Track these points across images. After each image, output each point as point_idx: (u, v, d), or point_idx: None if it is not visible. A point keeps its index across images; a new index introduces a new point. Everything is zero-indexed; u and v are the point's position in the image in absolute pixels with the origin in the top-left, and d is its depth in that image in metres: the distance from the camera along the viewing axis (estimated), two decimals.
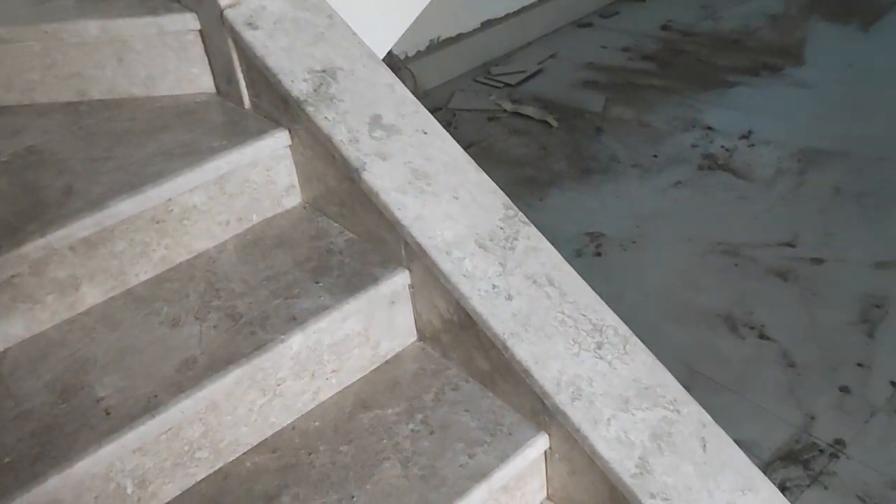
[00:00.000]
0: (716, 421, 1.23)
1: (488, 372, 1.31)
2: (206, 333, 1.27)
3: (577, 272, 1.34)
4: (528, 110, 3.54)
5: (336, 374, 1.36)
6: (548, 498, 1.34)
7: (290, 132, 1.46)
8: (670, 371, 1.26)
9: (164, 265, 1.41)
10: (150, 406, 1.14)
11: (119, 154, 1.43)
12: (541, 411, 1.24)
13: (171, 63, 1.56)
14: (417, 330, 1.44)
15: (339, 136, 1.36)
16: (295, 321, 1.28)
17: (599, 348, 1.26)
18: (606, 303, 1.32)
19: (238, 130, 1.47)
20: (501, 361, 1.26)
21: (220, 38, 1.47)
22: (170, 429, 1.16)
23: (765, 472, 1.23)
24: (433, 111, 1.49)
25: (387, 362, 1.42)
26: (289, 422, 1.32)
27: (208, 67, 1.57)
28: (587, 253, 2.57)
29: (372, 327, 1.37)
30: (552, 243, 1.37)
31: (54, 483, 1.06)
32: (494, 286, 1.28)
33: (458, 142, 1.47)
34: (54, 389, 1.18)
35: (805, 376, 2.04)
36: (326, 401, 1.35)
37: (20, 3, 1.63)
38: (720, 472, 1.18)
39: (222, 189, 1.43)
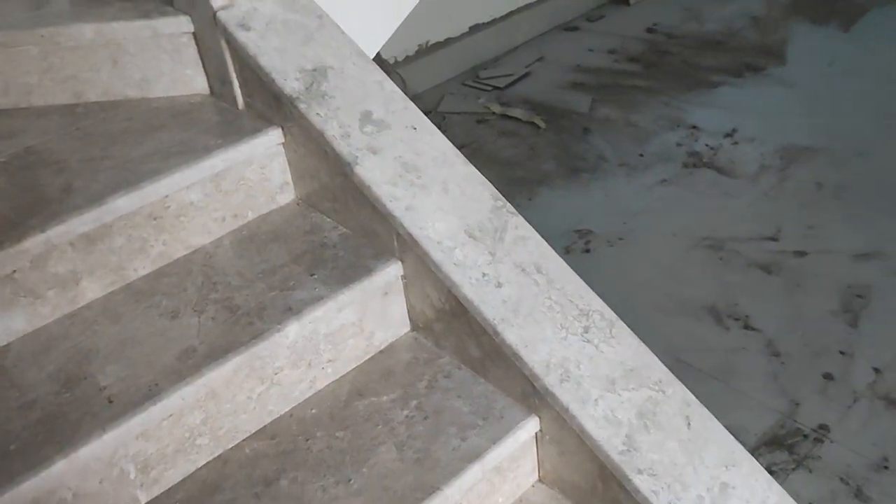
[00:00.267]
0: None
1: (480, 358, 1.35)
2: (204, 324, 1.31)
3: None
4: (517, 112, 3.60)
5: (332, 364, 1.39)
6: (539, 480, 1.38)
7: (283, 130, 1.49)
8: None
9: (161, 260, 1.44)
10: (151, 393, 1.18)
11: (116, 153, 1.47)
12: (531, 394, 1.28)
13: (166, 65, 1.60)
14: (410, 320, 1.48)
15: (332, 131, 1.41)
16: (291, 311, 1.31)
17: (586, 332, 1.30)
18: None
19: (232, 129, 1.51)
20: (492, 347, 1.30)
21: (213, 39, 1.51)
22: (171, 415, 1.19)
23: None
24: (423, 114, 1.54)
25: (381, 352, 1.46)
26: (286, 410, 1.35)
27: (202, 69, 1.61)
28: (576, 249, 2.62)
29: (366, 318, 1.41)
30: None
31: (60, 467, 1.09)
32: (484, 274, 1.32)
33: None
34: (58, 379, 1.21)
35: (789, 364, 2.09)
36: (323, 389, 1.39)
37: (16, 8, 1.66)
38: (704, 448, 1.22)
39: (218, 186, 1.47)
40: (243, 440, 1.31)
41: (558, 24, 4.42)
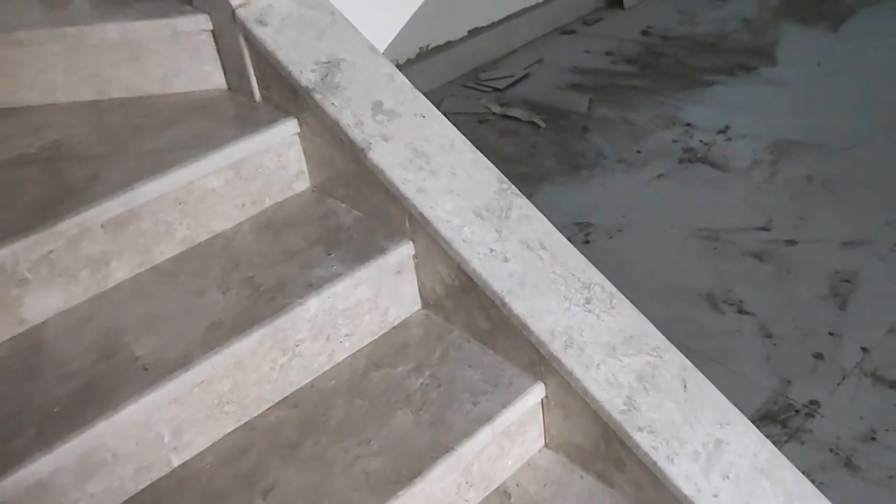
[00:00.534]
0: None
1: (489, 330, 1.44)
2: (229, 301, 1.39)
3: None
4: (517, 112, 3.69)
5: (349, 338, 1.48)
6: (545, 445, 1.46)
7: (298, 121, 1.58)
8: None
9: (185, 244, 1.53)
10: (183, 361, 1.26)
11: (139, 144, 1.55)
12: (537, 362, 1.37)
13: (184, 62, 1.68)
14: (422, 298, 1.56)
15: (346, 119, 1.49)
16: (311, 287, 1.40)
17: (588, 303, 1.38)
18: None
19: (250, 120, 1.59)
20: (500, 318, 1.38)
21: (231, 36, 1.60)
22: (202, 381, 1.27)
23: None
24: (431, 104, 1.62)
25: (395, 328, 1.54)
26: (307, 381, 1.43)
27: (219, 65, 1.69)
28: (577, 241, 2.70)
29: (381, 295, 1.50)
30: None
31: (101, 428, 1.17)
32: (492, 250, 1.41)
33: None
34: (95, 351, 1.30)
35: (781, 346, 2.18)
36: (341, 362, 1.47)
37: (37, 9, 1.75)
38: (700, 408, 1.31)
39: (238, 174, 1.56)
40: (268, 409, 1.39)
41: (556, 27, 4.52)
